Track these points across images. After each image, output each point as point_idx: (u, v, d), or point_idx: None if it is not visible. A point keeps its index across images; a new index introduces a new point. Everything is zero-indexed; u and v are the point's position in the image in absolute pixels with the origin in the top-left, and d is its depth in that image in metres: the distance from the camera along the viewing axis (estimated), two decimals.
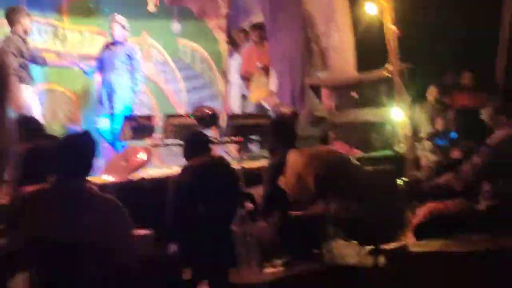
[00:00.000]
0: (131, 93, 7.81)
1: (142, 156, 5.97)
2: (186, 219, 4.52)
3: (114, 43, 7.92)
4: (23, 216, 3.54)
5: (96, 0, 8.85)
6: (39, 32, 8.20)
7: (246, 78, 9.61)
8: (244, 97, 9.81)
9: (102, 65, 7.89)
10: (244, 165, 6.27)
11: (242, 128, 7.22)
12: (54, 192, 3.48)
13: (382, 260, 4.27)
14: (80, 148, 3.56)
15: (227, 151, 7.80)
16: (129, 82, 7.80)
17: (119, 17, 7.92)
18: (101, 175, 5.83)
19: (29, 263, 3.61)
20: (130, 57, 7.87)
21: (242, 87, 9.85)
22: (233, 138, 7.16)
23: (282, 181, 4.58)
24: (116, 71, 7.77)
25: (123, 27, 7.91)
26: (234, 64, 10.05)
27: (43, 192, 3.51)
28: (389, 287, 4.12)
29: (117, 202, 3.55)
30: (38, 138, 4.90)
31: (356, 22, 8.56)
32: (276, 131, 5.34)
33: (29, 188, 3.63)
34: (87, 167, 3.58)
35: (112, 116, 7.65)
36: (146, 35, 9.46)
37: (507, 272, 3.67)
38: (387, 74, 7.68)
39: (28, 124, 5.04)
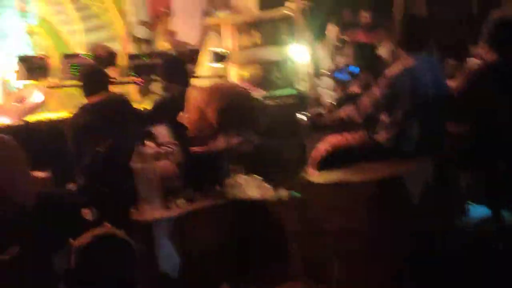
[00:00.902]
0: None
1: (37, 97, 5.74)
2: (85, 158, 4.41)
3: None
4: None
5: None
6: None
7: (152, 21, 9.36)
8: (144, 40, 9.56)
9: None
10: (145, 106, 6.16)
11: (143, 68, 7.08)
12: None
13: (284, 193, 4.30)
14: None
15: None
16: None
17: None
18: None
19: None
20: None
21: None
22: (134, 78, 7.02)
23: (182, 117, 4.52)
24: None
25: None
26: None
27: None
28: (291, 219, 4.16)
29: (6, 138, 3.39)
30: None
31: None
32: (169, 69, 5.31)
33: None
34: None
35: None
36: None
37: (401, 197, 3.78)
38: (288, 12, 7.68)
39: None
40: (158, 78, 5.59)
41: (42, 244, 2.73)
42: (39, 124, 6.09)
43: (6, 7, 7.51)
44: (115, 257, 2.21)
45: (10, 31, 7.52)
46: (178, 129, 4.72)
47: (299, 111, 5.69)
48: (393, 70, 4.37)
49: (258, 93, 6.88)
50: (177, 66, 5.39)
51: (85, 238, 2.24)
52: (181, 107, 4.65)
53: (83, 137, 4.46)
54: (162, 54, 7.48)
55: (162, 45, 8.97)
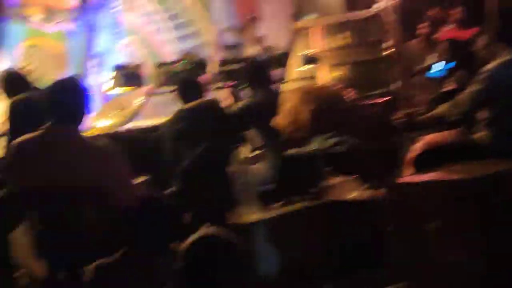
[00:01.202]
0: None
1: (135, 104, 5.91)
2: (182, 162, 4.50)
3: None
4: (15, 165, 3.50)
5: None
6: None
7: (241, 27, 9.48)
8: (232, 47, 9.66)
9: None
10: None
11: (233, 73, 7.15)
12: (44, 139, 3.40)
13: (380, 193, 4.25)
14: (68, 93, 3.47)
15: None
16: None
17: None
18: (94, 122, 5.78)
19: (27, 212, 3.58)
20: None
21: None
22: (225, 83, 7.10)
23: (276, 120, 4.54)
24: None
25: None
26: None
27: (33, 140, 3.44)
28: (388, 219, 4.11)
29: (109, 147, 3.51)
30: (25, 91, 4.84)
31: None
32: (252, 74, 5.37)
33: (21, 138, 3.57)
34: (77, 113, 3.49)
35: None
36: None
37: (501, 195, 3.66)
38: (378, 12, 7.61)
39: (14, 79, 4.98)
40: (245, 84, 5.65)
41: (146, 247, 2.80)
42: (136, 130, 6.27)
43: (104, 26, 7.79)
44: (221, 258, 2.25)
45: (109, 46, 7.78)
46: (270, 133, 4.75)
47: (393, 111, 5.60)
48: (492, 64, 4.25)
49: (350, 94, 6.84)
50: (259, 71, 5.42)
51: (190, 239, 2.28)
52: (269, 111, 4.67)
53: (179, 142, 4.55)
54: (250, 60, 7.55)
55: (251, 50, 9.05)
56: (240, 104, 5.42)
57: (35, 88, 5.07)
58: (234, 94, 7.02)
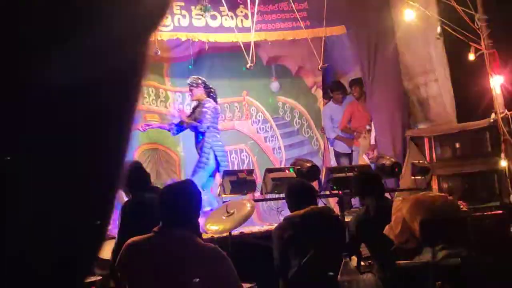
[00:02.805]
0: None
1: (244, 210, 5.97)
2: (290, 270, 4.47)
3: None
4: (126, 266, 3.58)
5: (196, 62, 9.09)
6: (142, 94, 8.48)
7: (347, 132, 9.57)
8: (345, 154, 9.72)
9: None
10: (344, 218, 6.20)
11: (341, 181, 7.15)
12: (156, 241, 3.48)
13: None
14: (181, 196, 3.56)
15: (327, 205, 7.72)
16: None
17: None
18: (205, 226, 5.87)
19: None
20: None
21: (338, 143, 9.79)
22: (333, 191, 7.10)
23: (386, 229, 4.47)
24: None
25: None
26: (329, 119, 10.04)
27: (145, 242, 3.52)
28: None
29: (221, 252, 3.53)
30: (145, 190, 4.98)
31: (455, 71, 8.43)
32: (362, 182, 5.37)
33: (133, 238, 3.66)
34: (190, 216, 3.57)
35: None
36: (246, 94, 9.63)
37: None
38: (491, 122, 7.48)
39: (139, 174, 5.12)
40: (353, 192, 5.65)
41: None
42: (245, 236, 6.32)
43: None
44: None
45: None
46: (380, 243, 4.67)
47: (508, 224, 5.41)
48: None
49: (462, 206, 6.67)
50: (369, 180, 5.43)
51: None
52: (380, 222, 4.61)
53: (288, 249, 4.53)
54: (360, 168, 7.55)
55: (362, 159, 9.06)
56: (353, 217, 5.41)
57: (153, 188, 5.20)
58: (341, 203, 7.00)
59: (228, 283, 3.42)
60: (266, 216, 8.76)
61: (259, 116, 9.75)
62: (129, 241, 3.59)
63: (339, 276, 4.02)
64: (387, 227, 4.50)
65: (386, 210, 4.67)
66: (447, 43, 8.31)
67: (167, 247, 3.45)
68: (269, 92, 9.94)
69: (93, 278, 5.39)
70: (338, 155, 9.76)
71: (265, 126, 9.86)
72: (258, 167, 9.13)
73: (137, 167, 5.19)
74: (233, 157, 9.38)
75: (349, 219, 6.56)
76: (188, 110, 8.65)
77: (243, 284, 4.20)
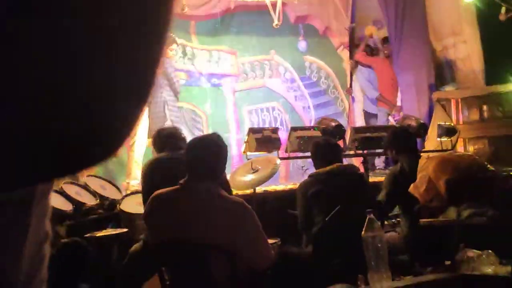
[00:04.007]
0: None
1: (269, 167, 5.99)
2: (314, 226, 4.50)
3: None
4: (151, 217, 3.63)
5: (224, 20, 9.06)
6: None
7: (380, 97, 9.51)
8: (371, 114, 9.70)
9: None
10: (369, 179, 6.20)
11: (366, 141, 7.14)
12: (182, 194, 3.51)
13: None
14: (208, 149, 3.57)
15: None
16: None
17: None
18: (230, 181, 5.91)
19: (160, 265, 3.69)
20: None
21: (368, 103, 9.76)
22: (358, 151, 7.09)
23: (411, 188, 4.47)
24: None
25: None
26: (359, 80, 9.99)
27: (171, 194, 3.56)
28: None
29: (247, 206, 3.55)
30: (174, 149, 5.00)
31: (484, 32, 8.32)
32: (398, 139, 5.35)
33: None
34: (215, 169, 3.58)
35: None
36: (274, 53, 9.60)
37: None
38: None
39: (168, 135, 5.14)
40: (388, 150, 5.61)
41: None
42: (269, 193, 6.35)
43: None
44: None
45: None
46: (406, 201, 4.68)
47: None
48: None
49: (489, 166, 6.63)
50: (406, 136, 5.42)
51: None
52: (410, 178, 4.62)
53: (312, 206, 4.55)
54: (388, 128, 7.52)
55: (389, 119, 9.03)
56: (388, 175, 5.38)
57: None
58: (366, 163, 6.99)
59: (253, 237, 3.45)
60: (291, 176, 8.79)
61: (287, 75, 9.71)
62: (155, 193, 3.63)
63: (363, 233, 4.05)
64: (412, 185, 4.51)
65: (415, 167, 4.68)
66: (477, 3, 8.18)
67: (192, 199, 3.47)
68: (296, 51, 9.89)
69: (118, 231, 5.49)
70: (368, 115, 9.75)
71: (294, 85, 9.83)
72: (290, 125, 9.12)
73: (172, 132, 5.21)
74: (264, 115, 9.38)
75: (375, 179, 6.58)
76: (211, 68, 8.68)
77: (269, 240, 4.24)
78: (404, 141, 5.34)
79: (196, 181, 3.49)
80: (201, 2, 8.83)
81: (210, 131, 8.76)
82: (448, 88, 8.77)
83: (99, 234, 5.35)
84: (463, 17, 8.52)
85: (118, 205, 5.96)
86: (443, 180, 4.15)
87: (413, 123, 7.29)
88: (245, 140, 6.80)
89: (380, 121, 9.38)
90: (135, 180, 7.15)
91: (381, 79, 9.49)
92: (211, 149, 3.58)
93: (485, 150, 7.84)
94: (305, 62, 10.00)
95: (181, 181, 3.55)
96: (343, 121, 9.23)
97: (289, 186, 7.39)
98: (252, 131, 6.83)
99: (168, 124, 7.33)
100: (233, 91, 8.76)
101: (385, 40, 9.73)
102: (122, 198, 6.07)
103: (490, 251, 4.18)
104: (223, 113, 8.55)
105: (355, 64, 10.10)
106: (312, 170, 5.03)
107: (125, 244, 5.07)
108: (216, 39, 9.04)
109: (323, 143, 4.98)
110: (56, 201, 5.41)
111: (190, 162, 3.56)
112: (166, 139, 5.03)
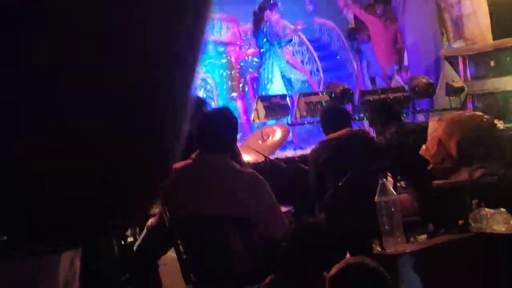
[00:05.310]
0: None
1: (279, 134, 6.02)
2: (326, 192, 4.51)
3: None
4: (166, 192, 3.64)
5: None
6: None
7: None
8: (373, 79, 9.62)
9: None
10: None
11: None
12: (194, 167, 3.51)
13: None
14: (218, 122, 3.58)
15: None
16: None
17: None
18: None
19: (175, 238, 3.72)
20: None
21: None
22: (366, 114, 7.08)
23: (422, 150, 4.48)
24: None
25: None
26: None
27: (183, 167, 3.56)
28: None
29: (259, 176, 3.57)
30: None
31: None
32: (377, 113, 5.34)
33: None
34: (226, 142, 3.60)
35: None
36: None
37: None
38: None
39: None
40: (373, 125, 5.59)
41: (297, 271, 2.84)
42: (280, 160, 6.36)
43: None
44: (370, 286, 2.25)
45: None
46: (417, 164, 4.69)
47: None
48: None
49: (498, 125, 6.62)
50: (386, 109, 5.39)
51: (339, 266, 2.31)
52: (416, 141, 4.62)
53: (324, 172, 4.57)
54: (394, 90, 7.50)
55: (396, 80, 8.98)
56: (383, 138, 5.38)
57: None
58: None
59: (267, 207, 3.47)
60: (300, 142, 8.78)
61: (294, 39, 9.59)
62: None
63: (376, 197, 4.07)
64: (423, 147, 4.51)
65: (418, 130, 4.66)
66: None
67: (204, 172, 3.49)
68: (304, 13, 9.74)
69: None
70: (371, 78, 9.69)
71: (301, 49, 9.72)
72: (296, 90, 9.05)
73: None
74: None
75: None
76: (215, 35, 8.63)
77: (282, 208, 4.27)
78: (386, 114, 5.31)
79: (208, 154, 3.51)
80: None
81: (219, 100, 8.76)
82: (455, 45, 8.71)
83: None
84: None
85: None
86: (454, 141, 4.15)
87: (421, 83, 7.26)
88: (254, 108, 6.80)
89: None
90: None
91: (374, 40, 9.31)
92: (222, 122, 3.59)
93: (494, 105, 7.80)
94: (314, 24, 9.86)
95: (193, 155, 3.56)
96: (354, 84, 9.20)
97: (299, 152, 7.39)
98: (260, 98, 6.83)
99: None
100: (237, 59, 8.70)
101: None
102: None
103: (503, 209, 4.21)
104: (228, 80, 8.50)
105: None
106: (321, 135, 5.03)
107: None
108: (217, 6, 8.94)
109: (331, 109, 4.97)
110: None
111: (201, 136, 3.56)
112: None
